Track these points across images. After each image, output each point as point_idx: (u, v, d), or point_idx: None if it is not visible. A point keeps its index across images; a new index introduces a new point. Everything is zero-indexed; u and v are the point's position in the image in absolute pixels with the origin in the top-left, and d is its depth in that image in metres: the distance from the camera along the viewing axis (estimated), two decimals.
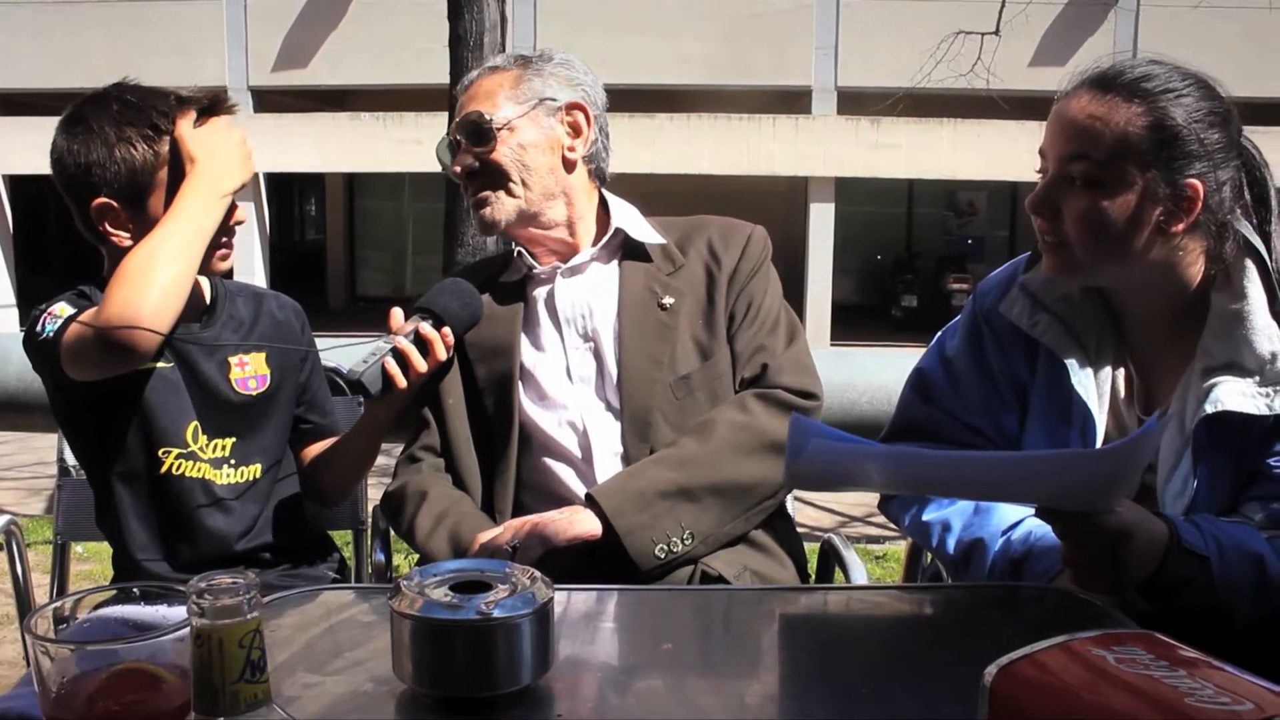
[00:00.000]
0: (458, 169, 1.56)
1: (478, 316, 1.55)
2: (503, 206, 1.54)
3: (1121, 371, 1.34)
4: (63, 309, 1.41)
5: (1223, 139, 1.22)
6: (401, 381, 1.46)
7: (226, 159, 1.43)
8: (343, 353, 1.77)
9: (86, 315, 1.36)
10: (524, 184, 1.54)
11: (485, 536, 1.41)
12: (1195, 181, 1.20)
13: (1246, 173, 1.27)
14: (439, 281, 1.58)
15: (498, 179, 1.54)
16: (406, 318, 1.52)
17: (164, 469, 1.48)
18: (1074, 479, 1.08)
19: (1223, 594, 1.12)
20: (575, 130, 1.58)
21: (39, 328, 1.40)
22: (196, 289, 1.55)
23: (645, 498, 1.40)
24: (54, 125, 1.46)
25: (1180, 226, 1.22)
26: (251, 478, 1.55)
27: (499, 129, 1.52)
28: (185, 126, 1.43)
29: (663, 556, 1.40)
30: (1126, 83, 1.22)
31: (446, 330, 1.50)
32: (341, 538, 1.84)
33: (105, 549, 1.60)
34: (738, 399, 1.51)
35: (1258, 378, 1.21)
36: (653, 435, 1.48)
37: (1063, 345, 1.32)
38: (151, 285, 1.33)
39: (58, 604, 0.85)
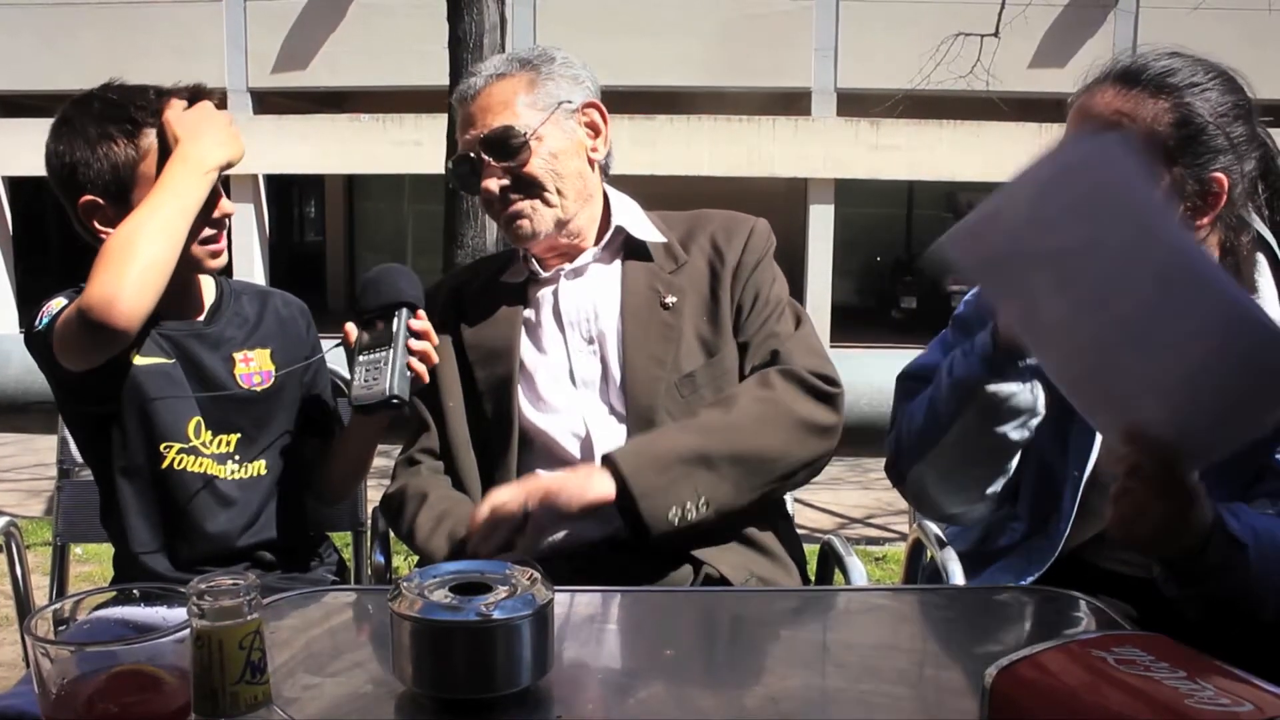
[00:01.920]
0: (491, 187, 1.50)
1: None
2: (542, 218, 1.51)
3: None
4: (58, 303, 1.42)
5: (1246, 132, 1.22)
6: (426, 376, 1.43)
7: (212, 137, 1.43)
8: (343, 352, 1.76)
9: (75, 302, 1.37)
10: (559, 192, 1.51)
11: (497, 498, 1.36)
12: (1221, 175, 1.20)
13: (1261, 164, 1.26)
14: (373, 275, 1.46)
15: (532, 191, 1.50)
16: (366, 322, 1.42)
17: (165, 464, 1.49)
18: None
19: (1256, 584, 1.10)
20: (594, 130, 1.56)
21: (36, 323, 1.42)
22: (198, 287, 1.55)
23: (664, 460, 1.38)
24: None
25: (1206, 220, 1.22)
26: (256, 473, 1.55)
27: (530, 139, 1.48)
28: (172, 112, 1.43)
29: (676, 522, 1.37)
30: (1151, 77, 1.21)
31: (421, 313, 1.44)
32: (341, 539, 1.84)
33: (105, 551, 1.60)
34: (760, 375, 1.49)
35: None
36: None
37: None
38: (132, 263, 1.33)
39: (58, 605, 0.85)
